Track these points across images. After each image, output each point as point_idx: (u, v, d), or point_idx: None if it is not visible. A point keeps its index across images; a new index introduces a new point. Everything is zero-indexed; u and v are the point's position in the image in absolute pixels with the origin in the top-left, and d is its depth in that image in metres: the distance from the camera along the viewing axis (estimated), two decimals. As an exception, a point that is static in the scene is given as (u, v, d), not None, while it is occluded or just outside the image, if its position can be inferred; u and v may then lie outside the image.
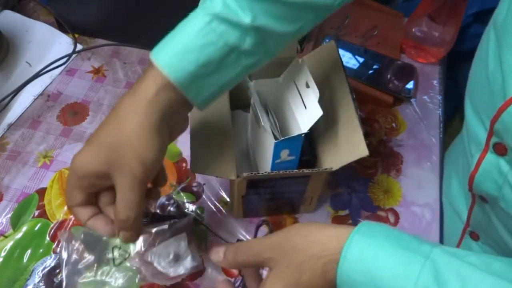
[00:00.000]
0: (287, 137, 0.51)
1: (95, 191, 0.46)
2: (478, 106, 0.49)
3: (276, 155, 0.53)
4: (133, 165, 0.42)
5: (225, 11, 0.41)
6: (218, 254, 0.44)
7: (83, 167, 0.43)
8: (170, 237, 0.52)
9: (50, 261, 0.60)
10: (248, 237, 0.63)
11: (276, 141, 0.50)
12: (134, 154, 0.42)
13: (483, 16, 0.94)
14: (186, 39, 0.41)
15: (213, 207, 0.66)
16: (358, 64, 0.80)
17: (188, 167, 0.68)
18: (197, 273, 0.60)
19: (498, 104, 0.41)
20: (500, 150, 0.44)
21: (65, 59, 0.78)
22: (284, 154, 0.53)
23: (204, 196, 0.66)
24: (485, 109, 0.46)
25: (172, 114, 0.43)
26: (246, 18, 0.41)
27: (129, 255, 0.54)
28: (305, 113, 0.52)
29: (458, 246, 0.61)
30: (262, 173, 0.52)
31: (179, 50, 0.41)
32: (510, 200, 0.44)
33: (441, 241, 0.65)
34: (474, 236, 0.57)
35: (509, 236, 0.49)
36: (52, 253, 0.60)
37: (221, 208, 0.65)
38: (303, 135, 0.51)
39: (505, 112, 0.41)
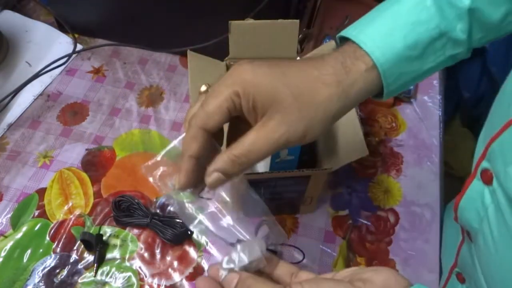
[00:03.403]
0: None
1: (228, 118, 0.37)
2: (488, 127, 0.45)
3: (275, 154, 0.53)
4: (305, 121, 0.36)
5: None
6: (230, 283, 0.36)
7: (251, 80, 0.36)
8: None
9: (50, 261, 0.60)
10: (248, 237, 0.63)
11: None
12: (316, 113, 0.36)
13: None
14: (395, 15, 0.38)
15: (213, 207, 0.66)
16: (358, 64, 0.80)
17: (188, 167, 0.68)
18: (197, 273, 0.60)
19: (502, 123, 0.39)
20: (486, 178, 0.41)
21: (65, 59, 0.78)
22: (283, 153, 0.53)
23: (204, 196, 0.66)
24: (490, 130, 0.43)
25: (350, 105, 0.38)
26: (465, 0, 0.38)
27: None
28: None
29: (445, 285, 0.58)
30: (262, 173, 0.52)
31: (386, 26, 0.37)
32: (487, 237, 0.41)
33: (440, 242, 0.65)
34: (460, 279, 0.54)
35: (485, 285, 0.44)
36: (52, 253, 0.60)
37: (221, 208, 0.65)
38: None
39: (508, 130, 0.38)
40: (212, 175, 0.37)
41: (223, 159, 0.36)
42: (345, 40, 0.40)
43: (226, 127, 0.40)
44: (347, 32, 0.39)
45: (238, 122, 0.38)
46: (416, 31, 0.38)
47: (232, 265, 0.37)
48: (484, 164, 0.42)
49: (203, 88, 0.39)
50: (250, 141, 0.36)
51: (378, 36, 0.38)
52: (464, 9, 0.39)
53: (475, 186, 0.43)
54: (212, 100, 0.36)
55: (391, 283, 0.33)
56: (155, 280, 0.59)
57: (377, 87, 0.39)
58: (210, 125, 0.36)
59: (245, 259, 0.37)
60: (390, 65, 0.38)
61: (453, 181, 0.71)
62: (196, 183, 0.39)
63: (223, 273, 0.37)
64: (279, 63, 0.37)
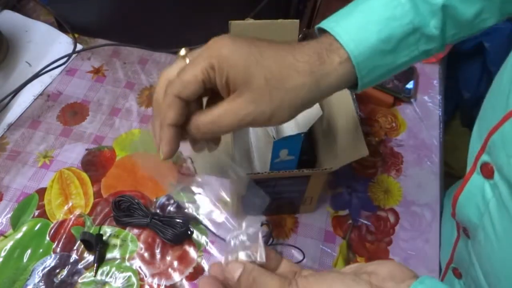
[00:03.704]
0: (285, 136, 0.51)
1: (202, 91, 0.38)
2: (483, 121, 0.46)
3: (275, 154, 0.53)
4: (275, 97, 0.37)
5: None
6: (233, 273, 0.35)
7: (227, 56, 0.37)
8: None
9: (50, 261, 0.60)
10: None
11: (274, 140, 0.50)
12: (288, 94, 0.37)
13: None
14: (370, 10, 0.39)
15: (213, 207, 0.65)
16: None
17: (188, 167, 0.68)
18: (197, 273, 0.60)
19: (501, 115, 0.39)
20: (486, 172, 0.41)
21: (65, 59, 0.78)
22: (283, 154, 0.53)
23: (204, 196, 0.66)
24: (488, 122, 0.43)
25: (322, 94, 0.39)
26: None
27: None
28: (305, 113, 0.52)
29: (441, 280, 0.58)
30: (262, 173, 0.52)
31: (361, 20, 0.38)
32: (489, 232, 0.41)
33: (440, 242, 0.65)
34: (457, 274, 0.55)
35: (484, 281, 0.45)
36: (52, 253, 0.60)
37: (221, 208, 0.65)
38: (302, 134, 0.51)
39: (508, 121, 0.38)
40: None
41: (191, 126, 0.38)
42: (323, 31, 0.41)
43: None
44: (324, 24, 0.40)
45: (215, 95, 0.39)
46: (389, 26, 0.38)
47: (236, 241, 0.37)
48: (484, 157, 0.42)
49: (183, 52, 0.39)
50: (217, 113, 0.37)
51: (353, 29, 0.38)
52: (437, 5, 0.39)
53: (475, 180, 0.43)
54: (189, 70, 0.37)
55: (396, 274, 0.32)
56: (155, 280, 0.59)
57: (351, 79, 0.40)
58: (185, 94, 0.36)
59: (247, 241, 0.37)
60: (363, 58, 0.38)
61: (453, 181, 0.71)
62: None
63: (228, 257, 0.36)
64: (258, 43, 0.38)
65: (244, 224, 0.38)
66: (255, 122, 0.37)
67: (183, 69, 0.37)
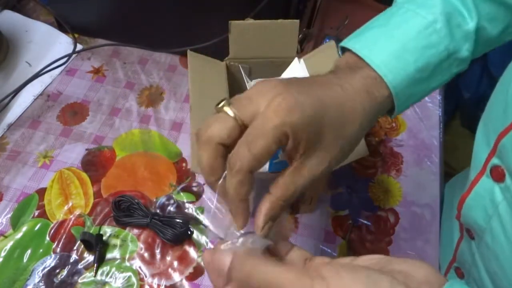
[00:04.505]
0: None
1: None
2: (489, 123, 0.45)
3: (274, 154, 0.53)
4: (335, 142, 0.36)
5: (450, 10, 0.38)
6: (222, 266, 0.31)
7: (300, 122, 0.33)
8: None
9: (50, 261, 0.60)
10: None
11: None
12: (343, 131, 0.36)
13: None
14: (405, 38, 0.38)
15: (213, 207, 0.66)
16: (358, 64, 0.80)
17: (188, 167, 0.68)
18: (197, 273, 0.60)
19: (510, 118, 0.39)
20: (497, 175, 0.41)
21: (65, 59, 0.78)
22: (282, 154, 0.53)
23: (204, 196, 0.66)
24: (496, 125, 0.42)
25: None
26: (471, 21, 0.38)
27: None
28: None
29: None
30: (261, 173, 0.52)
31: (398, 49, 0.37)
32: (497, 235, 0.40)
33: (440, 241, 0.65)
34: (459, 274, 0.54)
35: (489, 281, 0.45)
36: (52, 253, 0.60)
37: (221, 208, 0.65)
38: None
39: None
40: (264, 228, 0.35)
41: (267, 207, 0.35)
42: (348, 50, 0.40)
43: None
44: (355, 47, 0.39)
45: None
46: (426, 54, 0.38)
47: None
48: (494, 161, 0.41)
49: (226, 109, 0.35)
50: (291, 181, 0.35)
51: (389, 59, 0.38)
52: (471, 30, 0.39)
53: (484, 183, 0.42)
54: (259, 141, 0.33)
55: (432, 279, 0.30)
56: (155, 280, 0.59)
57: (388, 108, 0.40)
58: (257, 167, 0.34)
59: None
60: (401, 88, 0.38)
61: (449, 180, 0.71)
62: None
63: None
64: (313, 86, 0.36)
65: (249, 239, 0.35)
66: (322, 174, 0.36)
67: (251, 141, 0.33)
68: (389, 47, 0.38)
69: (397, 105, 0.39)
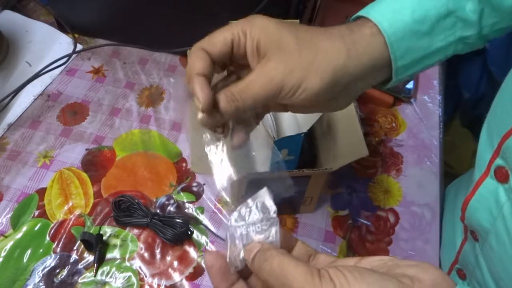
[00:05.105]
0: (286, 136, 0.51)
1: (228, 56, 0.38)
2: (493, 124, 0.45)
3: (275, 154, 0.53)
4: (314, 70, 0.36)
5: None
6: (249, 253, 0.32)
7: (260, 23, 0.37)
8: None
9: (50, 261, 0.60)
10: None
11: (275, 140, 0.50)
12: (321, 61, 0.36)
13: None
14: None
15: (213, 207, 0.66)
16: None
17: (188, 167, 0.68)
18: (197, 273, 0.60)
19: None
20: (501, 176, 0.40)
21: (65, 59, 0.78)
22: (284, 154, 0.53)
23: (204, 196, 0.66)
24: (500, 126, 0.42)
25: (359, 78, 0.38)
26: None
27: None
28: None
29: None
30: (262, 173, 0.52)
31: (396, 4, 0.38)
32: (502, 236, 0.40)
33: (440, 242, 0.65)
34: (461, 275, 0.54)
35: (492, 283, 0.44)
36: (52, 253, 0.60)
37: (221, 208, 0.66)
38: (302, 135, 0.51)
39: None
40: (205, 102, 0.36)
41: (221, 97, 0.36)
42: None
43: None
44: (358, 13, 0.40)
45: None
46: (424, 6, 0.37)
47: (242, 222, 0.33)
48: (498, 162, 0.41)
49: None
50: (248, 78, 0.36)
51: (386, 11, 0.38)
52: None
53: (488, 184, 0.42)
54: (219, 31, 0.37)
55: (440, 282, 0.29)
56: (155, 280, 0.59)
57: (384, 60, 0.38)
58: (212, 50, 0.36)
59: (258, 214, 0.33)
60: (397, 37, 0.37)
61: (453, 181, 0.71)
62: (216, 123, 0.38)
63: (236, 242, 0.32)
64: (291, 23, 0.38)
65: (250, 202, 0.34)
66: (284, 85, 0.36)
67: (211, 33, 0.37)
68: (388, 3, 0.39)
69: (394, 57, 0.38)
